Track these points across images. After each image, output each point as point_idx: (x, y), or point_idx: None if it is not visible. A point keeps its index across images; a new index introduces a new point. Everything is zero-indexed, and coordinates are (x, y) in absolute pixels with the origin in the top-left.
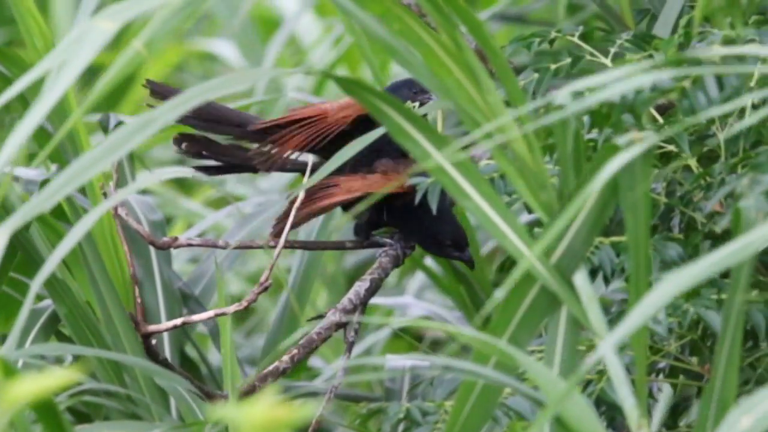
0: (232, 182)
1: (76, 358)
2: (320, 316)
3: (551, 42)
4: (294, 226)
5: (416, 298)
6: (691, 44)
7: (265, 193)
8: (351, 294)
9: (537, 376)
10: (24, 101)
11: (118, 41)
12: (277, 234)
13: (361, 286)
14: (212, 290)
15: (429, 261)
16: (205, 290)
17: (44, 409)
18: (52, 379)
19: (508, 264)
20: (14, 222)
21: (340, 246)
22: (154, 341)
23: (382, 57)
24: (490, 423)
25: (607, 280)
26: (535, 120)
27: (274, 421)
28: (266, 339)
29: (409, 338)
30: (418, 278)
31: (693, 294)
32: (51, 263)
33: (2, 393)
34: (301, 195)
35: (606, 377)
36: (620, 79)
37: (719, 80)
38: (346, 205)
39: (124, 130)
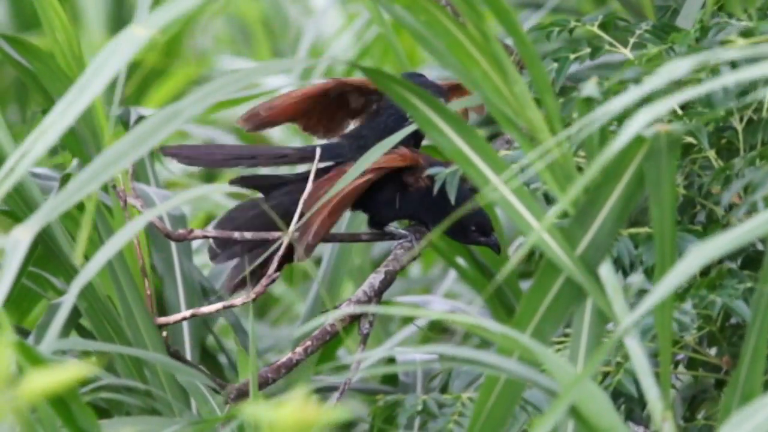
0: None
1: (97, 353)
2: (335, 308)
3: (571, 31)
4: (324, 237)
5: (443, 291)
6: (708, 36)
7: None
8: (365, 286)
9: (557, 372)
10: (46, 94)
11: None
12: (308, 250)
13: (375, 278)
14: None
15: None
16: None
17: (69, 401)
18: (72, 371)
19: (529, 254)
20: (38, 221)
21: (355, 238)
22: (164, 333)
23: (409, 50)
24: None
25: (625, 273)
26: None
27: (303, 422)
28: (296, 332)
29: (432, 334)
30: (442, 270)
31: (715, 285)
32: (86, 275)
33: (23, 384)
34: (307, 189)
35: (624, 369)
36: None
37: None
38: (360, 200)
39: (149, 123)
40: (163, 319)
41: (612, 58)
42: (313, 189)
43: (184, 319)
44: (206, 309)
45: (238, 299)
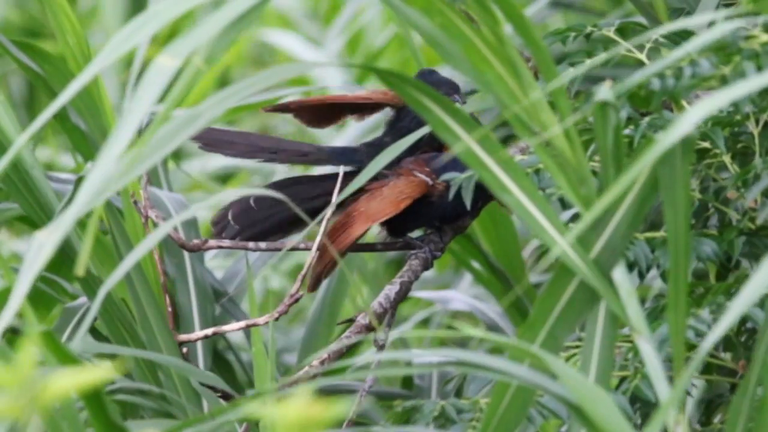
0: (280, 175)
1: (112, 356)
2: (350, 320)
3: (587, 36)
4: (326, 274)
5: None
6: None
7: None
8: (381, 297)
9: (569, 381)
10: (53, 94)
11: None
12: (314, 285)
13: (391, 289)
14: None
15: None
16: (240, 287)
17: (93, 401)
18: (96, 373)
19: (544, 255)
20: (61, 225)
21: (370, 248)
22: (185, 350)
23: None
24: (524, 422)
25: (642, 276)
26: (575, 115)
27: (308, 420)
28: (302, 341)
29: (442, 335)
30: (454, 271)
31: (731, 290)
32: (106, 288)
33: (49, 385)
34: (321, 231)
35: (641, 374)
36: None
37: (759, 67)
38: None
39: (169, 126)
40: (184, 336)
41: None
42: (330, 230)
43: (206, 336)
44: (228, 327)
45: (261, 319)
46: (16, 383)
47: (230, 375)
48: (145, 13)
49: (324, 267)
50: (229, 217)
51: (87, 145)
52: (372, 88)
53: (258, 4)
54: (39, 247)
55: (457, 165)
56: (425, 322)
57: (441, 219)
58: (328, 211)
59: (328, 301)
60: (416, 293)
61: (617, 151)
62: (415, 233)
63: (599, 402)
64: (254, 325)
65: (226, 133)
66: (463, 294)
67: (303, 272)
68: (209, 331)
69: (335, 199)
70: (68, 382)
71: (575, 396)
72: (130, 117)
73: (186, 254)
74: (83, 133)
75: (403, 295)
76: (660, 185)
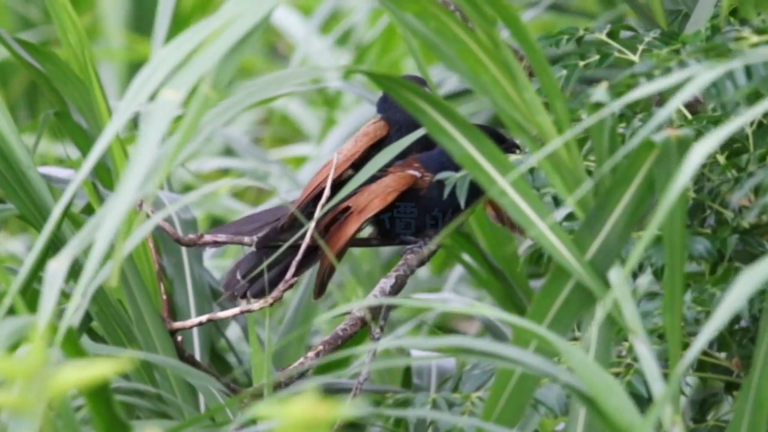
0: (275, 178)
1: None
2: (346, 313)
3: (579, 39)
4: (328, 277)
5: (453, 292)
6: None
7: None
8: (376, 290)
9: (575, 363)
10: (57, 95)
11: None
12: (320, 290)
13: (386, 282)
14: None
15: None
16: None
17: (97, 397)
18: (100, 367)
19: (537, 255)
20: (69, 253)
21: (365, 243)
22: (180, 338)
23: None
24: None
25: (634, 274)
26: (570, 116)
27: (313, 420)
28: (281, 331)
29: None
30: (456, 272)
31: (719, 282)
32: (97, 281)
33: (52, 379)
34: (308, 236)
35: (634, 370)
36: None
37: (748, 69)
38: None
39: (169, 145)
40: (178, 324)
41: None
42: (324, 230)
43: (201, 324)
44: (222, 314)
45: (255, 304)
46: (26, 376)
47: (228, 373)
48: (148, 67)
49: (324, 271)
50: (238, 276)
51: (89, 144)
52: (354, 138)
53: (258, 25)
54: (53, 277)
55: (445, 155)
56: (419, 328)
57: (434, 214)
58: (318, 212)
59: (305, 300)
60: (412, 299)
61: (613, 152)
62: None
63: (612, 391)
64: (249, 311)
65: (230, 227)
66: (458, 295)
67: (297, 258)
68: (204, 318)
69: (326, 191)
70: (78, 375)
71: (588, 385)
72: (140, 156)
73: (184, 253)
74: (85, 132)
75: (398, 288)
76: (656, 186)
